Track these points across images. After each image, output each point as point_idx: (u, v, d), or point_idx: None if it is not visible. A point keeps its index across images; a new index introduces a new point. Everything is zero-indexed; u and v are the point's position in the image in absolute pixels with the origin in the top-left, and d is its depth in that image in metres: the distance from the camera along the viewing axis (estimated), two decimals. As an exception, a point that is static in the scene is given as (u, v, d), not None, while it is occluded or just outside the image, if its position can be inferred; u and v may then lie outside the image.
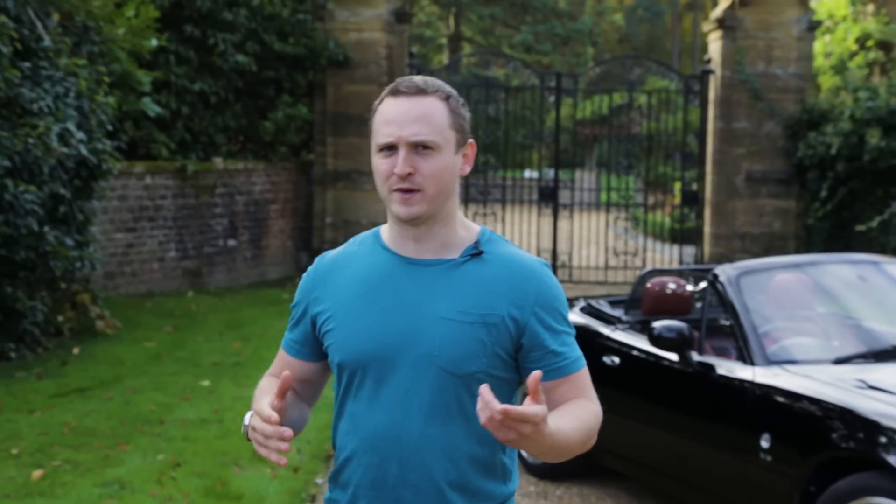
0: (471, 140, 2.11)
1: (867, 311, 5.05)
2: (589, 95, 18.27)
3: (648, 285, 5.61)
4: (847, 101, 13.17)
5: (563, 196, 14.83)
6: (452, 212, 2.08)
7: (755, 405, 4.37)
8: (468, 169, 2.10)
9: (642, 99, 15.48)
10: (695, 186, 14.25)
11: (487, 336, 1.99)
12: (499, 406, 1.74)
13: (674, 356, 4.83)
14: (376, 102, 2.08)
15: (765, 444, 4.23)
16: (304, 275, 2.20)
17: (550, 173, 14.77)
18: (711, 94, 13.84)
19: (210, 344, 8.94)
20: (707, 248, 13.99)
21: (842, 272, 5.26)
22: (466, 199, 14.37)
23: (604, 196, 15.67)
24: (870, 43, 15.16)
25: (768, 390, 4.36)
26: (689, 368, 4.77)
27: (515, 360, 2.05)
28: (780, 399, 4.30)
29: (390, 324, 2.02)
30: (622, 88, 14.79)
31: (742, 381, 4.48)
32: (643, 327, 5.52)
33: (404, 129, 2.00)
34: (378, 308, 2.04)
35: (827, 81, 14.98)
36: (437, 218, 2.05)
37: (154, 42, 10.87)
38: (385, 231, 2.14)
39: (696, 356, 4.78)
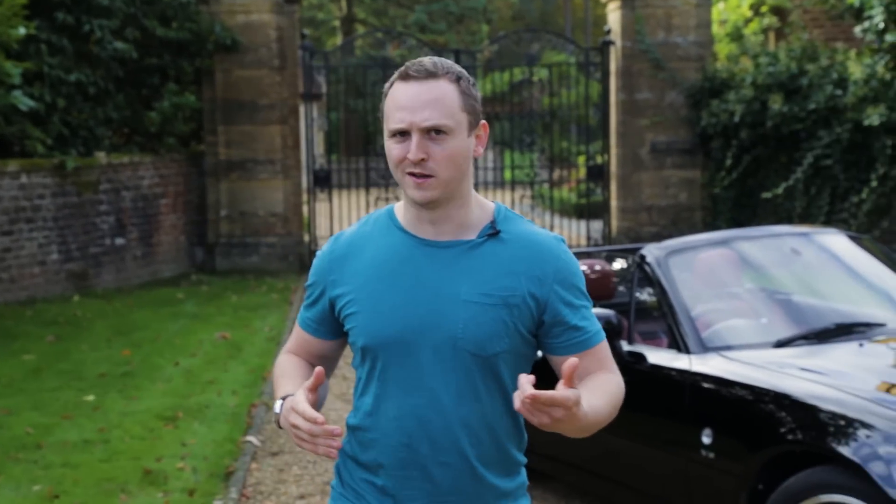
0: (483, 121, 2.09)
1: (804, 287, 4.73)
2: (488, 72, 17.91)
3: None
4: (748, 67, 13.02)
5: (467, 176, 14.41)
6: (468, 192, 2.10)
7: (694, 397, 3.99)
8: (481, 150, 2.09)
9: (542, 73, 15.14)
10: (599, 160, 13.99)
11: (509, 316, 2.02)
12: (528, 391, 1.78)
13: (601, 347, 4.42)
14: (386, 86, 2.07)
15: (706, 439, 3.86)
16: (320, 254, 2.20)
17: (452, 153, 14.31)
18: (612, 66, 13.56)
19: (96, 353, 8.28)
20: (614, 223, 13.74)
21: (774, 246, 4.92)
22: (367, 184, 13.85)
23: (507, 174, 15.32)
24: (764, 9, 15.08)
25: (707, 380, 3.98)
26: (619, 359, 4.36)
27: (536, 337, 2.09)
28: (721, 390, 3.92)
29: (413, 307, 2.04)
30: (521, 64, 14.42)
31: (678, 371, 4.10)
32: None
33: (416, 114, 1.99)
34: (400, 291, 2.05)
35: (723, 49, 14.85)
36: (452, 199, 2.06)
37: (22, 31, 10.06)
38: (399, 210, 2.14)
39: (626, 345, 4.38)
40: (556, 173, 16.29)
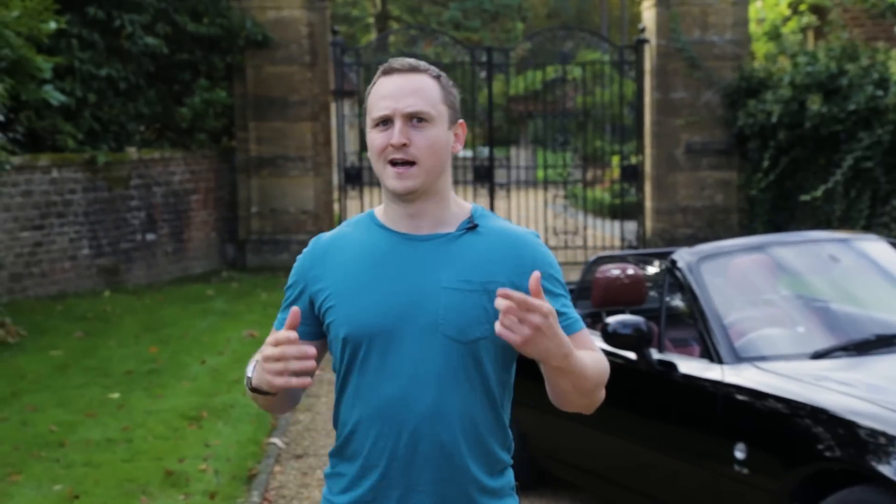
0: (461, 120, 2.17)
1: (842, 296, 4.57)
2: (521, 70, 17.75)
3: (598, 274, 5.06)
4: (786, 66, 12.79)
5: (499, 175, 14.32)
6: (445, 189, 2.14)
7: (727, 410, 3.84)
8: (460, 147, 2.17)
9: (576, 72, 14.99)
10: (634, 160, 13.80)
11: (490, 303, 2.02)
12: (501, 293, 1.83)
13: (631, 355, 4.30)
14: (369, 86, 2.14)
15: (740, 454, 3.72)
16: (300, 257, 2.22)
17: (485, 152, 14.24)
18: (647, 65, 13.37)
19: (124, 349, 8.25)
20: (649, 224, 13.56)
21: (812, 252, 4.76)
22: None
23: (540, 173, 15.17)
24: (802, 7, 14.82)
25: (741, 392, 3.84)
26: (648, 368, 4.24)
27: None
28: (756, 403, 3.78)
29: (394, 296, 2.07)
30: (555, 62, 14.26)
31: (710, 382, 3.96)
32: (594, 321, 4.99)
33: (399, 101, 2.06)
34: (380, 282, 2.09)
35: (761, 48, 14.62)
36: (430, 194, 2.11)
37: (53, 25, 10.05)
38: (380, 211, 2.19)
39: (656, 354, 4.25)
40: (590, 173, 16.11)
